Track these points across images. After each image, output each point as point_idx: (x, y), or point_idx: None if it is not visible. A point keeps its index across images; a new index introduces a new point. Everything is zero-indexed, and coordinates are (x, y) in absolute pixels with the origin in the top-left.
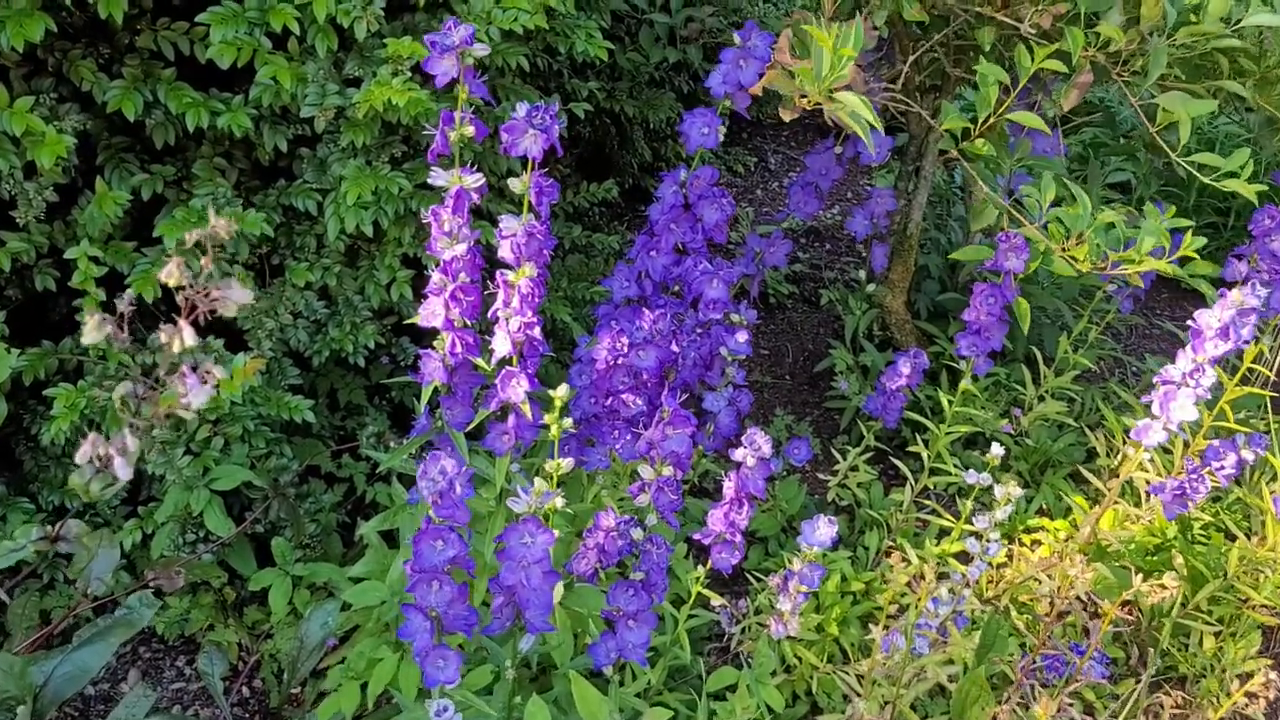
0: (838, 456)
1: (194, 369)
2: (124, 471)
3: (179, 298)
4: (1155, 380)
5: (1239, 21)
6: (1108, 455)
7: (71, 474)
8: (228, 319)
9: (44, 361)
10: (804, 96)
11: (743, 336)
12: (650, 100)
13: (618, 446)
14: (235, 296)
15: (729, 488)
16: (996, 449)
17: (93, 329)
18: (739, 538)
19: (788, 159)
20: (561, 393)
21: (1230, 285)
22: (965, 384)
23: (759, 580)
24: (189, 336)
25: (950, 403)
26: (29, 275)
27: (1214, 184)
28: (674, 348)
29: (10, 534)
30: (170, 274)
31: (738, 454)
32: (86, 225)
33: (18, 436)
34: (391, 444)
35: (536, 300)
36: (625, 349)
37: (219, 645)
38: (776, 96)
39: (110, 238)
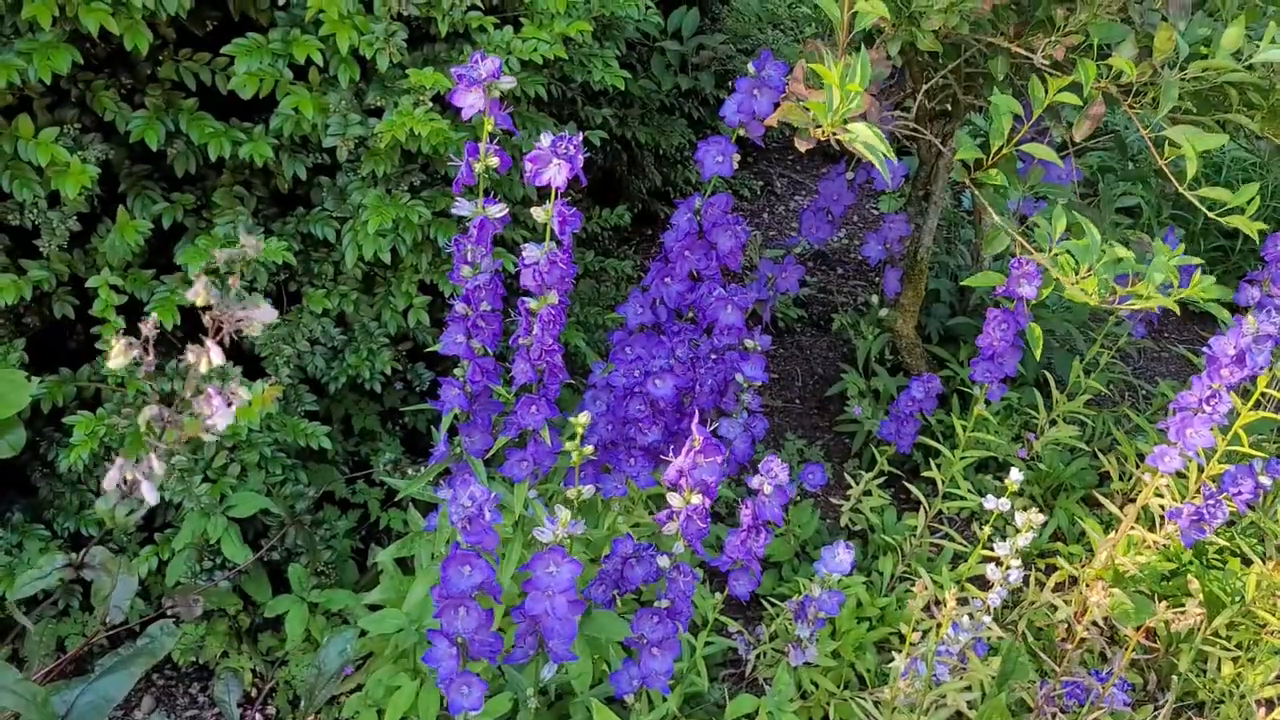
0: (850, 481)
1: (219, 391)
2: (151, 495)
3: (205, 318)
4: (1171, 406)
5: (1250, 57)
6: (1120, 479)
7: (98, 501)
8: (245, 346)
9: (62, 389)
10: (818, 128)
11: (759, 363)
12: (661, 126)
13: (634, 474)
14: (260, 317)
15: (746, 515)
16: (1015, 475)
17: (119, 354)
18: (756, 564)
19: (794, 183)
20: (583, 419)
21: (1243, 310)
22: (979, 409)
23: (774, 605)
24: (216, 356)
25: (964, 428)
26: (48, 303)
27: (1218, 218)
28: (691, 375)
29: (27, 561)
30: (197, 294)
31: (755, 481)
32: (107, 253)
33: (34, 464)
34: (408, 471)
35: (557, 328)
36: (642, 377)
37: (234, 672)
38: (788, 124)
39: (129, 265)
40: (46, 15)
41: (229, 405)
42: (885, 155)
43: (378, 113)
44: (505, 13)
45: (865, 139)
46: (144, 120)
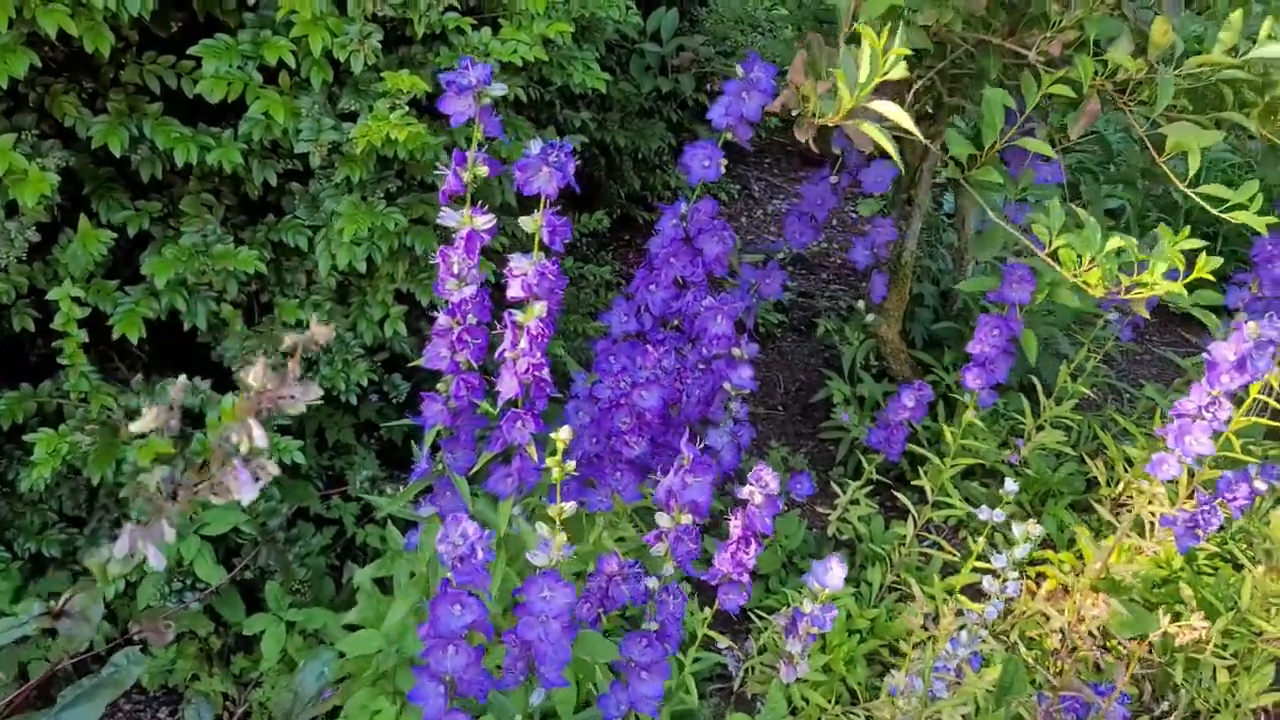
0: (836, 489)
1: (245, 464)
2: (158, 562)
3: (251, 400)
4: (1171, 414)
5: (1246, 53)
6: (1108, 484)
7: (88, 558)
8: (215, 357)
9: (23, 405)
10: (824, 115)
11: (747, 371)
12: (641, 130)
13: (619, 487)
14: (307, 398)
15: (735, 526)
16: (1010, 485)
17: (149, 421)
18: (746, 578)
19: (771, 186)
20: (564, 435)
21: (1232, 313)
22: (969, 416)
23: (761, 619)
24: (258, 436)
25: (954, 435)
26: (6, 316)
27: (1223, 215)
28: (678, 385)
29: None
30: (257, 377)
31: (744, 491)
32: (68, 264)
33: None
34: (386, 489)
35: (545, 341)
36: (628, 389)
37: (205, 696)
38: (764, 126)
39: (92, 276)
40: (3, 17)
41: (255, 480)
42: (909, 132)
43: (352, 117)
44: (483, 14)
45: (892, 114)
46: (106, 125)
